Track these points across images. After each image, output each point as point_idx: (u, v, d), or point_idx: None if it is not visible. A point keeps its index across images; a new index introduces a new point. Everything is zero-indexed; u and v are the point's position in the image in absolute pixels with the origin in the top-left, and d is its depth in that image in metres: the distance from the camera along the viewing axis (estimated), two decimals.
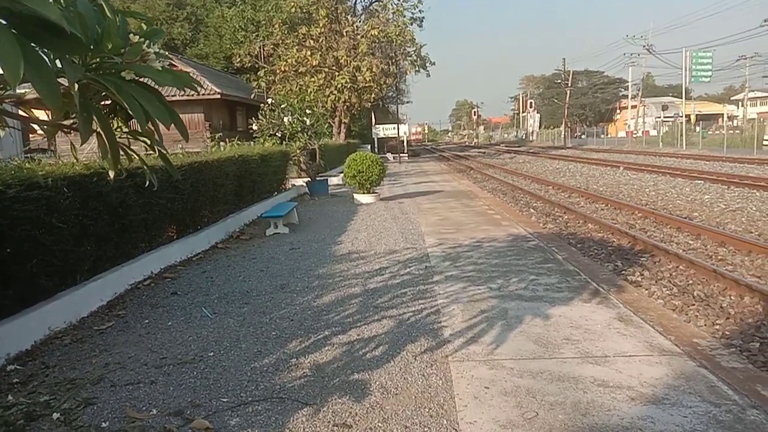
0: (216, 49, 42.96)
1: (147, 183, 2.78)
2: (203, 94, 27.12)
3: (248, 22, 38.69)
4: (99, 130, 2.18)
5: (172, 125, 2.23)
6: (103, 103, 2.35)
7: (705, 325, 5.73)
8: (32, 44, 1.72)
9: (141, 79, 2.13)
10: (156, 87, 2.22)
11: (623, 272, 7.73)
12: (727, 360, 4.05)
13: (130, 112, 2.17)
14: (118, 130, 2.50)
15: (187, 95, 24.16)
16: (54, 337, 4.96)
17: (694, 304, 6.33)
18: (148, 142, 2.51)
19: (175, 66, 27.72)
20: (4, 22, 1.63)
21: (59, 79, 2.06)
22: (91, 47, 1.96)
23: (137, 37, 2.19)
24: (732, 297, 6.44)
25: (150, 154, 2.91)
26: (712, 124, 58.81)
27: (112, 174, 2.39)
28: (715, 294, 6.62)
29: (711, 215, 11.91)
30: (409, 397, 3.56)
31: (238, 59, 31.40)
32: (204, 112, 28.10)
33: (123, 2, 41.02)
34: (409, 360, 4.14)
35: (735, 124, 59.02)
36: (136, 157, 2.67)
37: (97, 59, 2.05)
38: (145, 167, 2.64)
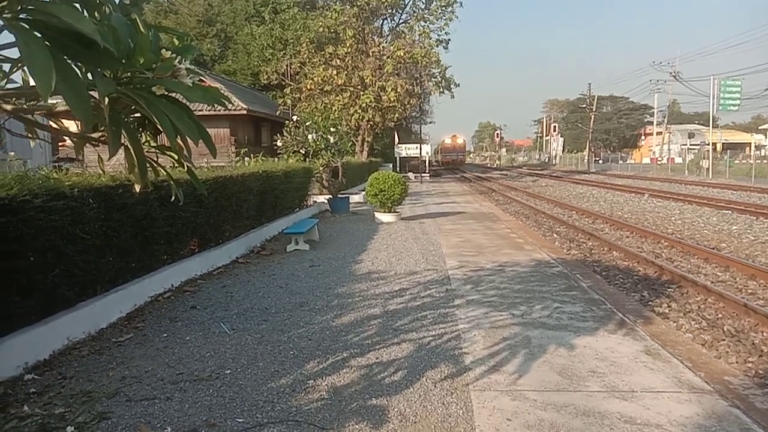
0: (244, 66, 43.60)
1: (173, 197, 2.77)
2: (229, 110, 27.45)
3: (276, 41, 39.24)
4: (127, 143, 2.17)
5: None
6: (131, 116, 2.34)
7: (737, 362, 5.52)
8: (65, 57, 1.71)
9: (171, 95, 2.12)
10: (185, 102, 2.21)
11: (650, 303, 7.54)
12: (761, 401, 3.87)
13: (159, 127, 2.16)
14: (146, 143, 2.49)
15: (214, 110, 24.51)
16: (72, 347, 4.95)
17: (724, 340, 6.12)
18: (176, 156, 2.50)
19: (204, 81, 28.15)
20: (38, 35, 1.62)
21: (89, 92, 2.06)
22: (123, 61, 1.95)
23: (169, 52, 2.18)
24: (764, 333, 6.21)
25: (176, 167, 2.91)
26: (738, 153, 57.85)
27: (138, 188, 2.37)
28: (746, 330, 6.40)
29: (740, 246, 11.62)
30: (429, 427, 3.46)
31: (265, 76, 31.83)
32: (230, 127, 28.43)
33: (155, 17, 41.99)
34: (428, 387, 4.03)
35: (762, 154, 58.01)
36: (163, 171, 2.66)
37: (129, 73, 2.04)
38: (171, 182, 2.63)
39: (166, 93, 2.09)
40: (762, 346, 5.91)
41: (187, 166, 2.54)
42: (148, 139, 2.54)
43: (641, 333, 5.23)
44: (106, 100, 1.96)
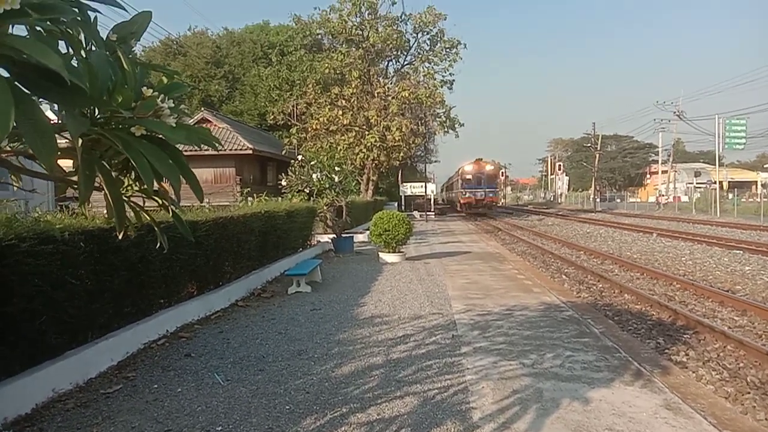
0: (251, 107, 44.18)
1: (158, 244, 2.60)
2: (235, 149, 27.65)
3: (283, 82, 39.78)
4: (104, 188, 2.00)
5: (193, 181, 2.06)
6: (117, 159, 2.18)
7: (766, 419, 5.14)
8: (33, 95, 1.54)
9: (157, 135, 1.97)
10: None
11: (666, 351, 7.19)
12: None
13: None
14: (129, 187, 2.32)
15: (220, 150, 24.64)
16: (57, 400, 4.68)
17: (749, 392, 5.76)
18: (160, 201, 2.33)
19: (210, 122, 28.40)
20: (5, 72, 1.46)
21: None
22: (103, 100, 1.80)
23: (150, 90, 2.02)
24: None
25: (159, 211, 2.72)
26: (745, 192, 57.59)
27: (120, 235, 2.20)
28: None
29: (755, 289, 11.26)
30: None
31: (272, 116, 32.12)
32: (235, 167, 28.57)
33: (164, 59, 42.76)
34: None
35: None
36: (146, 216, 2.49)
37: (108, 113, 1.88)
38: (156, 228, 2.46)
39: (149, 133, 1.93)
40: None
41: (173, 211, 2.37)
42: (131, 183, 2.36)
43: (659, 384, 4.92)
44: (80, 141, 1.80)
